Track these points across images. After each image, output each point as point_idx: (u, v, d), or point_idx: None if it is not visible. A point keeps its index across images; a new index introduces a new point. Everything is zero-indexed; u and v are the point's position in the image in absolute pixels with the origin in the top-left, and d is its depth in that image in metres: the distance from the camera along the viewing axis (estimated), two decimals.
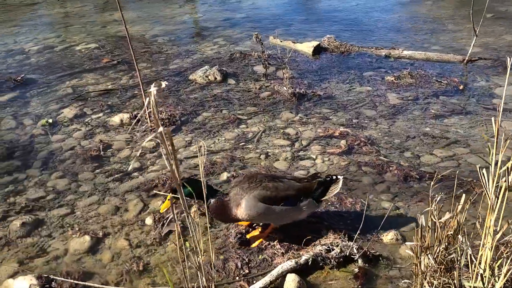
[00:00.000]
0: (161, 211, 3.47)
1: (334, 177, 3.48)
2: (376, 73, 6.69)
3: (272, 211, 3.32)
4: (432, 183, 2.57)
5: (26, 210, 4.02)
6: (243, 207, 3.26)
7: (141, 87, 5.40)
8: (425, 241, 2.67)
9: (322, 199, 3.49)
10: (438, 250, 2.68)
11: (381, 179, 4.28)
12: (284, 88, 6.04)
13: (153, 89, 1.72)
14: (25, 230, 3.75)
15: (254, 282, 3.16)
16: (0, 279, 3.27)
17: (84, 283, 3.22)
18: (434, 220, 2.58)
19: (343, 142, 4.90)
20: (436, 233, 2.65)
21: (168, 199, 3.47)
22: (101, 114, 5.76)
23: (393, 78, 6.38)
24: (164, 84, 1.84)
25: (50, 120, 5.55)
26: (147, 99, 1.72)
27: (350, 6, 10.35)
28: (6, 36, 8.86)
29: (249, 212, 3.27)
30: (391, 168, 4.39)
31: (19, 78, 6.79)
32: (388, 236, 3.58)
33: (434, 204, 2.59)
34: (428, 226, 2.64)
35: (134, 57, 5.26)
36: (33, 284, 3.12)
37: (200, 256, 2.30)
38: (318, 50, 7.51)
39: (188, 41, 8.53)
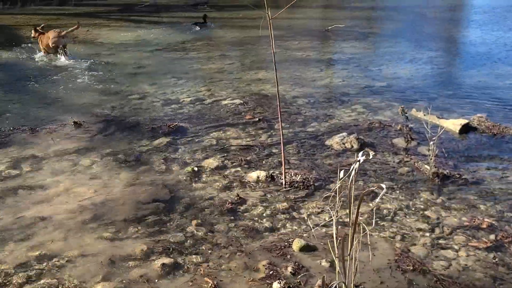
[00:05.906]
0: None
1: None
2: None
3: None
4: None
5: (167, 252, 4.32)
6: None
7: (282, 146, 5.60)
8: None
9: None
10: None
11: None
12: (426, 166, 5.73)
13: (360, 158, 1.77)
14: (164, 271, 4.02)
15: None
16: None
17: None
18: None
19: (491, 236, 4.41)
20: None
21: None
22: (239, 169, 6.07)
23: None
24: (371, 154, 1.88)
25: (196, 168, 6.02)
26: (353, 166, 1.77)
27: (505, 84, 9.58)
28: (167, 87, 10.01)
29: None
30: None
31: (173, 125, 7.56)
32: None
33: None
34: None
35: (280, 117, 5.52)
36: None
37: None
38: (466, 129, 7.04)
39: (326, 105, 8.68)
